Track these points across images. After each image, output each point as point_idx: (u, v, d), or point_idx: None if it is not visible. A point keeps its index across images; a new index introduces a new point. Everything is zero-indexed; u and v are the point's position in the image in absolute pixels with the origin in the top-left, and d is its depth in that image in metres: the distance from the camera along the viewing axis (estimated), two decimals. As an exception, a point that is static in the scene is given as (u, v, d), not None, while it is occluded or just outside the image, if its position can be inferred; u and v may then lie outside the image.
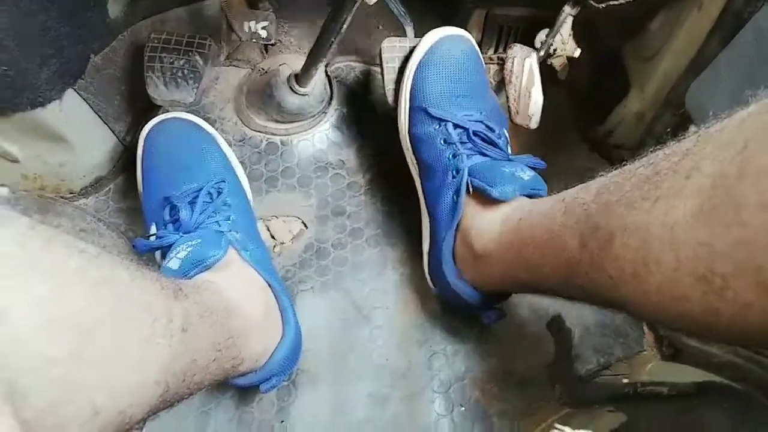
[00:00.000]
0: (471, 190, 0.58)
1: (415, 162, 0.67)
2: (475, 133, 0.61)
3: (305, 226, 0.75)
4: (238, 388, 0.62)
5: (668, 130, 0.67)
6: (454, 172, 0.60)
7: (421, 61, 0.66)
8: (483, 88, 0.67)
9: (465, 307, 0.62)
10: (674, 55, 0.65)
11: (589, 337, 0.67)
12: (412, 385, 0.65)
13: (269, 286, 0.60)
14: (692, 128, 0.63)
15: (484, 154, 0.60)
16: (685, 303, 0.33)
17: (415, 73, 0.66)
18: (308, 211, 0.76)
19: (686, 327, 0.35)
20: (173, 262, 0.53)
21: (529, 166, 0.59)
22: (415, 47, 0.68)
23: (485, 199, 0.57)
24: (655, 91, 0.68)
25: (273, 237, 0.74)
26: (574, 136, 0.84)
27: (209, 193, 0.62)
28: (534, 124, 0.70)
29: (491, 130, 0.62)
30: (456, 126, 0.62)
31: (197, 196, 0.61)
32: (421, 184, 0.67)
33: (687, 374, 0.55)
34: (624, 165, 0.40)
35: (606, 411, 0.58)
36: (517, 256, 0.51)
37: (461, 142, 0.61)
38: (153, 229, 0.62)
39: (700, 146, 0.33)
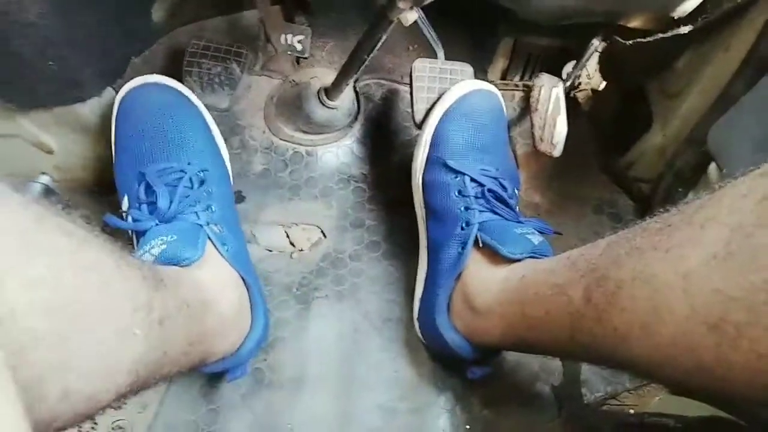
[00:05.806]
0: (480, 244, 0.58)
1: (423, 206, 0.68)
2: (489, 191, 0.61)
3: (324, 235, 0.77)
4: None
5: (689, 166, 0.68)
6: (464, 224, 0.60)
7: (447, 110, 0.67)
8: (503, 145, 0.68)
9: (451, 357, 0.62)
10: (698, 94, 0.66)
11: (597, 365, 0.68)
12: (420, 399, 0.66)
13: (243, 280, 0.59)
14: (712, 166, 0.64)
15: (496, 213, 0.60)
16: (698, 354, 0.31)
17: (439, 122, 0.67)
18: (328, 221, 0.77)
19: (699, 383, 0.33)
20: (147, 257, 0.51)
21: (538, 231, 0.59)
22: (440, 96, 0.68)
23: (491, 255, 0.58)
24: (677, 128, 0.70)
25: (292, 244, 0.75)
26: (594, 167, 0.85)
27: (191, 180, 0.59)
28: (557, 152, 0.71)
29: (504, 189, 0.62)
30: (473, 180, 0.62)
31: (178, 183, 0.57)
32: (427, 228, 0.67)
33: (694, 409, 0.56)
34: (633, 224, 0.40)
35: (611, 440, 0.58)
36: (519, 313, 0.50)
37: (475, 197, 0.61)
38: (125, 203, 0.59)
39: (715, 200, 0.33)
